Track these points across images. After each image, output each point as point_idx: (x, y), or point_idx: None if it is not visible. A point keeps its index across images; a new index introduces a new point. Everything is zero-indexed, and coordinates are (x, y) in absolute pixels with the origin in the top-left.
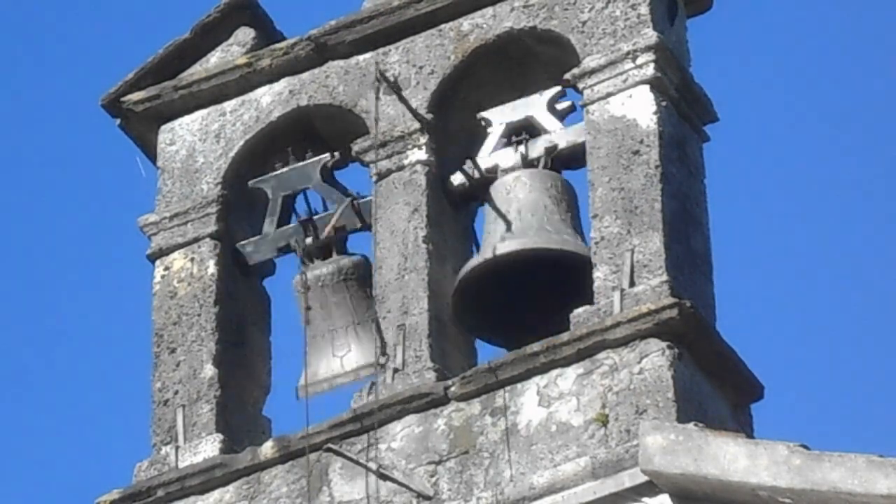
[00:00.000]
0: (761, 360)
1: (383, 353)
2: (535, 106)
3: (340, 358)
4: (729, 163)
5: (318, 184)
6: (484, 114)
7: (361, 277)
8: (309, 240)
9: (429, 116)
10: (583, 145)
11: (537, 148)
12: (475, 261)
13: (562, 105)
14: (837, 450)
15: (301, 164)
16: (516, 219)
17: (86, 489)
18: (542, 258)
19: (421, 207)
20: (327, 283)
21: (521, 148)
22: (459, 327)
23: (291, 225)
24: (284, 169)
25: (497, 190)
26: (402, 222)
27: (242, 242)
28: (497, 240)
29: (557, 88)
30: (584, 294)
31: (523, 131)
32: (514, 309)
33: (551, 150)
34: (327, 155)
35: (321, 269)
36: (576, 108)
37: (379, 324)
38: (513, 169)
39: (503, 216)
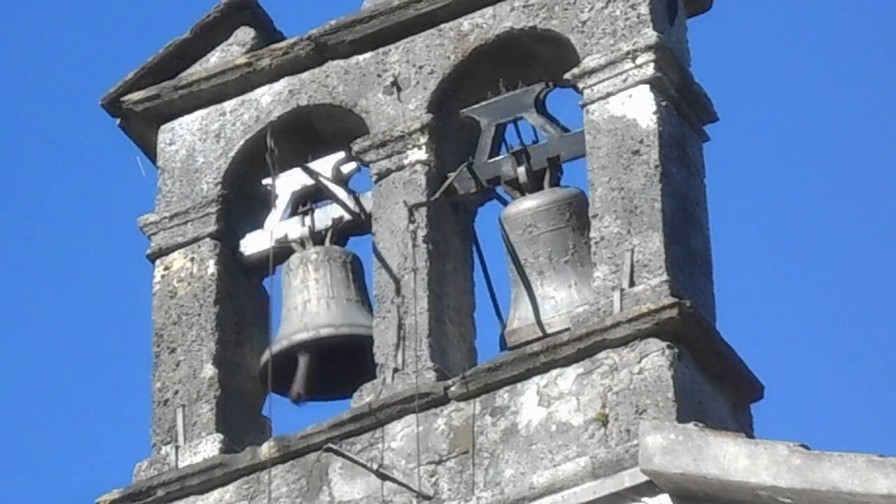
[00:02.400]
0: (761, 360)
1: (398, 294)
2: (522, 107)
3: (305, 322)
4: (729, 163)
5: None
6: (471, 113)
7: (347, 265)
8: (305, 230)
9: (428, 116)
10: (582, 147)
11: (540, 159)
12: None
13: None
14: (837, 450)
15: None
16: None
17: (86, 489)
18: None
19: (421, 207)
20: (311, 260)
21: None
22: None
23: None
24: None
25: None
26: (402, 222)
27: (241, 238)
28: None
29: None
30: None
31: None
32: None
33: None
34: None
35: (309, 251)
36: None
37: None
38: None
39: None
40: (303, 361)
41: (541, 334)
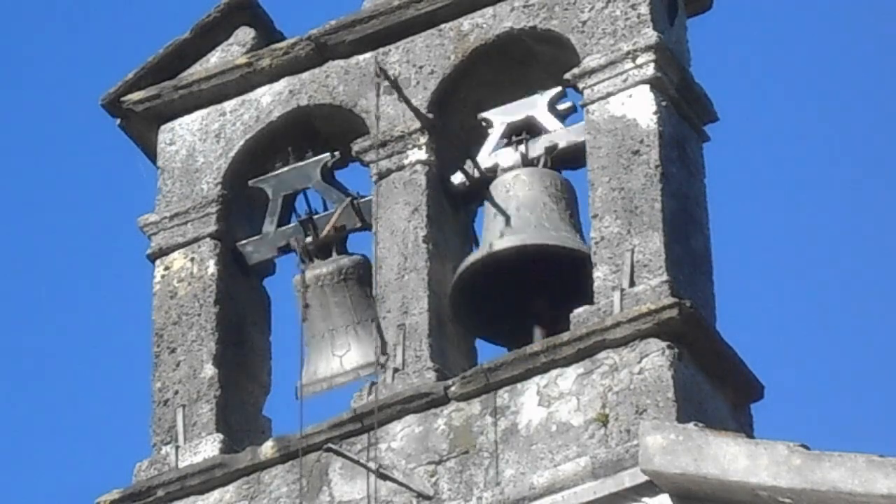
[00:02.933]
0: (761, 360)
1: (383, 353)
2: (535, 106)
3: (340, 357)
4: (729, 163)
5: (319, 183)
6: (485, 114)
7: (361, 277)
8: (309, 239)
9: (429, 116)
10: (583, 144)
11: (537, 147)
12: (473, 257)
13: (563, 105)
14: (837, 450)
15: (301, 163)
16: (515, 216)
17: (86, 489)
18: (541, 254)
19: (421, 207)
20: (327, 282)
21: (521, 147)
22: (457, 326)
23: (291, 224)
24: (285, 168)
25: (496, 188)
26: (402, 222)
27: (242, 242)
28: (495, 236)
29: (558, 89)
30: (583, 293)
31: (524, 131)
32: (514, 308)
33: (551, 150)
34: (327, 155)
35: (321, 269)
36: (576, 108)
37: (379, 323)
38: (512, 168)
39: (502, 212)
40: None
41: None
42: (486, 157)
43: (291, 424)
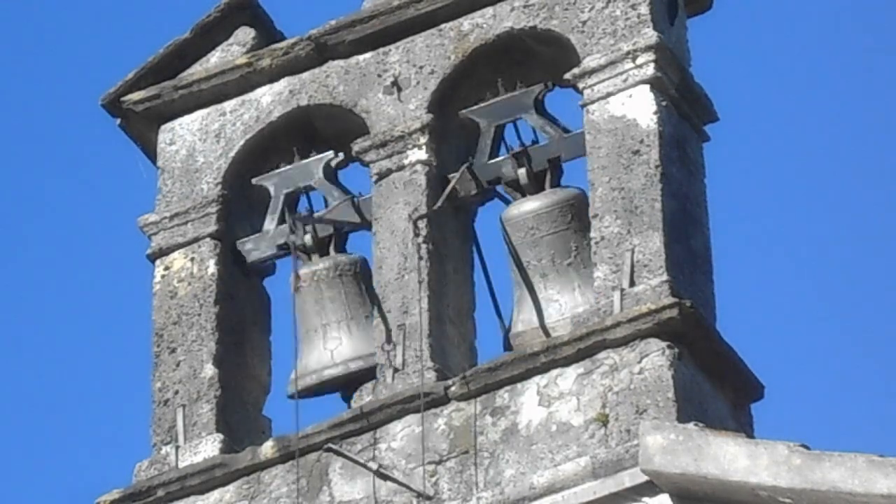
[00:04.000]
0: (761, 360)
1: (388, 341)
2: (522, 108)
3: (331, 351)
4: (729, 163)
5: (321, 182)
6: (470, 115)
7: (357, 275)
8: (308, 237)
9: (428, 116)
10: (583, 145)
11: (540, 160)
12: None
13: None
14: (837, 450)
15: (304, 161)
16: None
17: (86, 489)
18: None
19: (421, 207)
20: (322, 277)
21: (522, 170)
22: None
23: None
24: (287, 167)
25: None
26: (402, 222)
27: (242, 240)
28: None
29: (539, 85)
30: None
31: (511, 123)
32: None
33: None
34: (330, 153)
35: (318, 265)
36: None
37: (384, 314)
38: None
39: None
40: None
41: (544, 338)
42: (484, 166)
43: (291, 424)
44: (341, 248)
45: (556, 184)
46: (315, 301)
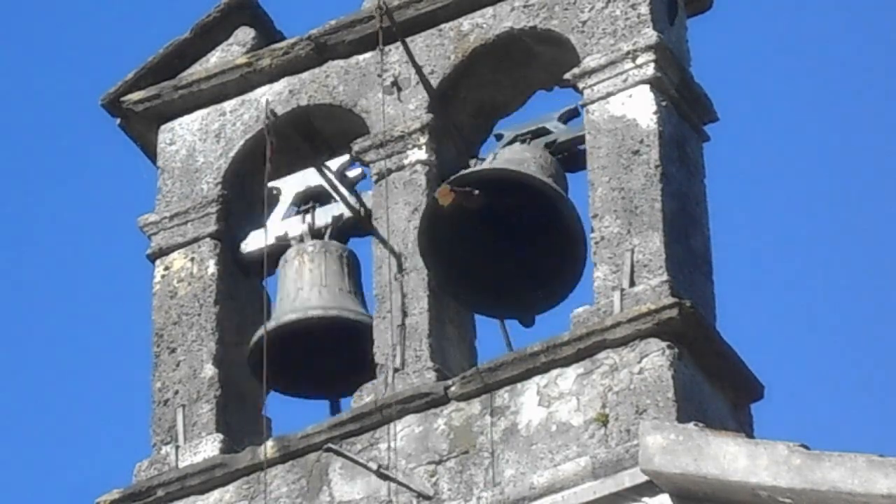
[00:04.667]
0: (761, 360)
1: (400, 271)
2: (548, 120)
3: (295, 304)
4: (729, 163)
5: (329, 182)
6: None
7: (343, 258)
8: (305, 227)
9: (428, 116)
10: (582, 141)
11: (538, 143)
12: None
13: (352, 173)
14: (837, 450)
15: (318, 166)
16: (497, 161)
17: (86, 489)
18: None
19: (421, 207)
20: (307, 251)
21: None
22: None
23: (292, 218)
24: (300, 171)
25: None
26: (402, 222)
27: (244, 240)
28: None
29: (346, 158)
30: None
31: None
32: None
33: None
34: (345, 157)
35: (307, 245)
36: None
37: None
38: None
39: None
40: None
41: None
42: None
43: (291, 424)
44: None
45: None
46: (295, 271)
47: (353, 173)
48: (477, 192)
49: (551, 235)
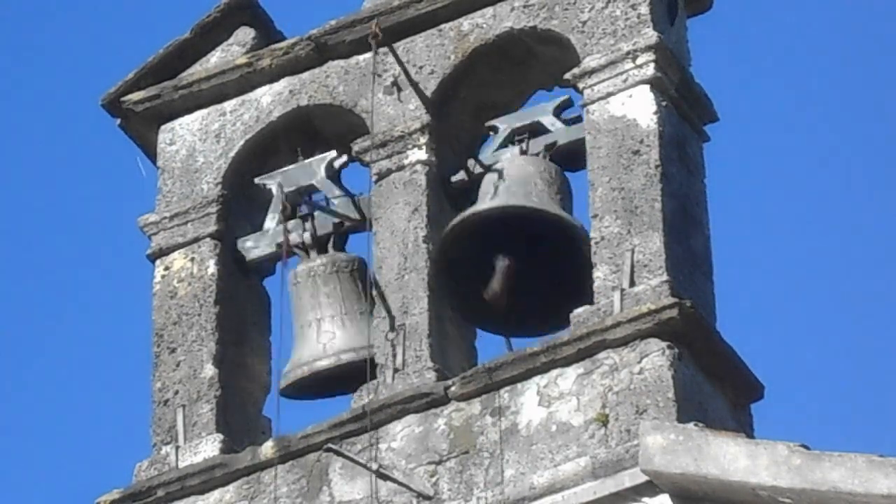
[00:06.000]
0: (761, 360)
1: (392, 329)
2: (542, 113)
3: (324, 344)
4: (729, 163)
5: (323, 181)
6: (492, 121)
7: (355, 272)
8: (307, 234)
9: (428, 116)
10: (583, 143)
11: (537, 144)
12: (457, 218)
13: (569, 115)
14: (837, 450)
15: (306, 161)
16: (505, 187)
17: (86, 489)
18: (526, 219)
19: (421, 207)
20: (319, 272)
21: (522, 145)
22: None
23: (291, 221)
24: (290, 166)
25: (491, 171)
26: (402, 222)
27: (242, 238)
28: (483, 203)
29: (565, 96)
30: (578, 269)
31: (527, 131)
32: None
33: (550, 146)
34: (333, 152)
35: (315, 262)
36: (582, 118)
37: (387, 304)
38: (303, 246)
39: (493, 185)
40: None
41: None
42: (489, 155)
43: (291, 424)
44: (340, 248)
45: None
46: (311, 296)
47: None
48: (500, 289)
49: (561, 258)
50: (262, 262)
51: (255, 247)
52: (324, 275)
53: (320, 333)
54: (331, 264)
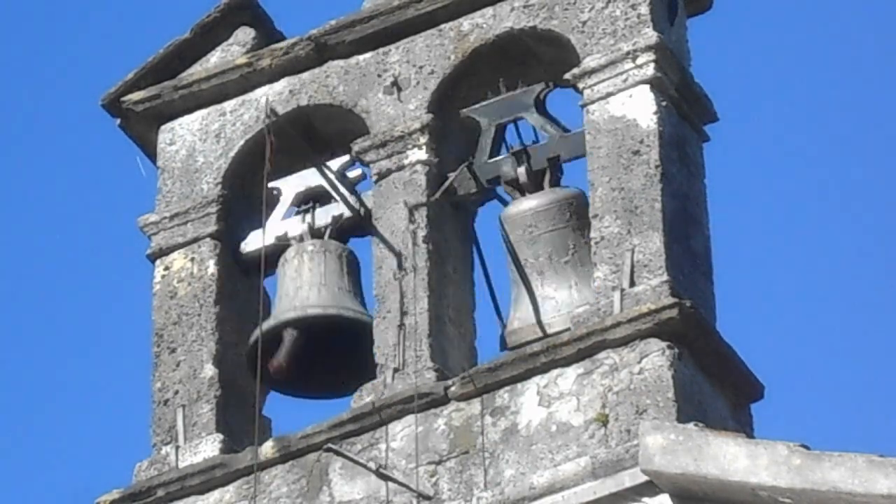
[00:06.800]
0: (761, 360)
1: (400, 268)
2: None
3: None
4: (729, 163)
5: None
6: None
7: (342, 258)
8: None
9: (428, 116)
10: (575, 146)
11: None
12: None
13: (352, 173)
14: (837, 450)
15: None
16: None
17: (86, 489)
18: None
19: (421, 207)
20: (307, 251)
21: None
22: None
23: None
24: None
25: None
26: (402, 222)
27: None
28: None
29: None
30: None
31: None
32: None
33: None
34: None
35: (308, 244)
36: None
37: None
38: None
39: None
40: (288, 335)
41: (541, 334)
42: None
43: (291, 424)
44: (556, 182)
45: (555, 183)
46: (295, 271)
47: (353, 173)
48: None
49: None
50: (260, 261)
51: (252, 244)
52: (311, 252)
53: (295, 298)
54: (320, 245)
